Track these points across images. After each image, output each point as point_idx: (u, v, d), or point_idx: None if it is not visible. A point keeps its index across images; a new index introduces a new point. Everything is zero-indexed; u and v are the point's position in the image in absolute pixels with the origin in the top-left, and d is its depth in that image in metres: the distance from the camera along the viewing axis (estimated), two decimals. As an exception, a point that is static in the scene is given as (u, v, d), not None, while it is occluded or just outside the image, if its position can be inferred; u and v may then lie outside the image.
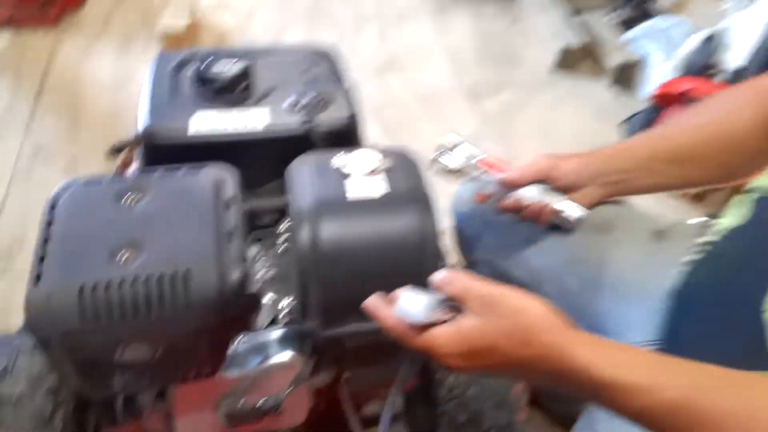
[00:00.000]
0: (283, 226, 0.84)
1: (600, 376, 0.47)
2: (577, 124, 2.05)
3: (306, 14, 2.43)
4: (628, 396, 0.47)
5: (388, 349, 0.72)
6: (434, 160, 0.85)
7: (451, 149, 0.85)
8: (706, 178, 0.82)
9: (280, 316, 0.76)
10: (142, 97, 0.86)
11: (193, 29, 2.16)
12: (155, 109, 0.82)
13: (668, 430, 0.48)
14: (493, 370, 0.51)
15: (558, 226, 0.85)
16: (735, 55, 1.86)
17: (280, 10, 2.44)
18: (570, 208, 0.82)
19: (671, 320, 0.74)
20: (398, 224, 0.67)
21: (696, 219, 0.89)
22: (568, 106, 2.11)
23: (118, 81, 2.02)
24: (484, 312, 0.51)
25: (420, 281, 0.60)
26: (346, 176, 0.70)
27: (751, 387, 0.47)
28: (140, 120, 0.82)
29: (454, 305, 0.53)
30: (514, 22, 2.47)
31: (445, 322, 0.52)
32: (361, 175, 0.70)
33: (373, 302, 0.57)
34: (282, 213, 0.84)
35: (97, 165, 1.69)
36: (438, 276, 0.56)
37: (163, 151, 0.78)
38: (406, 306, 0.54)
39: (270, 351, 0.73)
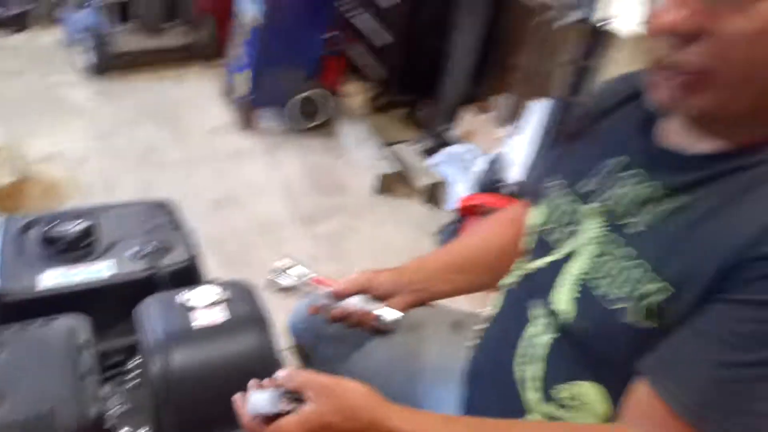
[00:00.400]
0: (132, 362, 0.93)
1: (405, 431, 0.64)
2: (400, 238, 2.34)
3: (138, 160, 2.55)
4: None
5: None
6: (270, 281, 0.96)
7: (285, 270, 0.97)
8: (482, 284, 1.03)
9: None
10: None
11: (20, 184, 2.17)
12: (5, 270, 0.89)
13: None
14: None
15: (380, 330, 1.02)
16: (514, 172, 2.30)
17: (112, 157, 2.53)
18: (387, 313, 0.97)
19: (465, 396, 0.93)
20: (240, 344, 0.81)
21: (485, 309, 1.12)
22: (391, 224, 2.41)
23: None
24: (320, 398, 0.65)
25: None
26: (190, 309, 0.83)
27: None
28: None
29: (296, 397, 0.66)
30: (336, 155, 2.80)
31: (289, 412, 0.65)
32: (203, 307, 0.84)
33: (236, 402, 0.69)
34: (131, 351, 0.93)
35: None
36: (281, 373, 0.69)
37: (16, 308, 0.85)
38: (255, 402, 0.66)
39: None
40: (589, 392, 0.71)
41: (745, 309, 0.56)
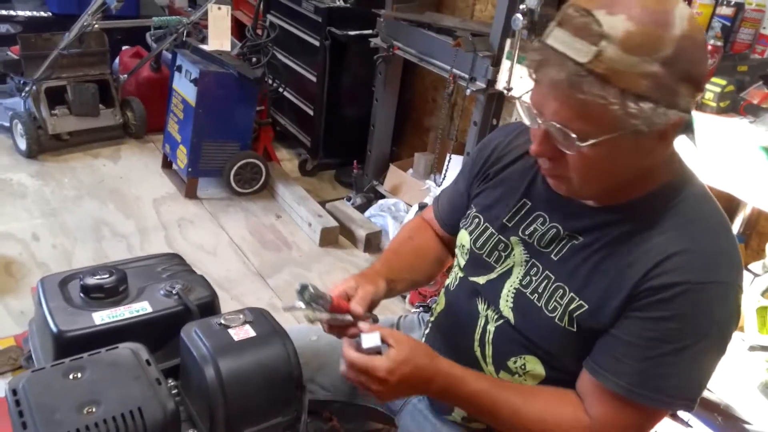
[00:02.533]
0: (171, 383, 1.11)
1: (450, 371, 0.90)
2: (347, 285, 2.58)
3: (90, 233, 2.66)
4: (462, 382, 0.89)
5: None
6: (290, 307, 0.95)
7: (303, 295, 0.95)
8: (422, 281, 1.24)
9: (189, 443, 1.02)
10: (40, 311, 1.10)
11: (-21, 262, 2.25)
12: (58, 316, 1.07)
13: (476, 411, 0.92)
14: (404, 379, 0.86)
15: None
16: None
17: (63, 233, 2.63)
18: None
19: None
20: (271, 351, 1.03)
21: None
22: (337, 271, 2.66)
23: None
24: (400, 345, 0.88)
25: (287, 387, 0.99)
26: (227, 328, 1.05)
27: (531, 394, 0.92)
28: (49, 326, 1.06)
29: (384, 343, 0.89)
30: (278, 215, 3.03)
31: (380, 352, 0.88)
32: (236, 326, 1.06)
33: (345, 342, 0.91)
34: (169, 374, 1.12)
35: None
36: (365, 326, 0.91)
37: (77, 344, 1.03)
38: (368, 338, 0.88)
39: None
40: (529, 363, 0.97)
41: (645, 323, 0.84)
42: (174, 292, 1.16)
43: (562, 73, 0.76)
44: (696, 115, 1.62)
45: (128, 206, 2.91)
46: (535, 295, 0.94)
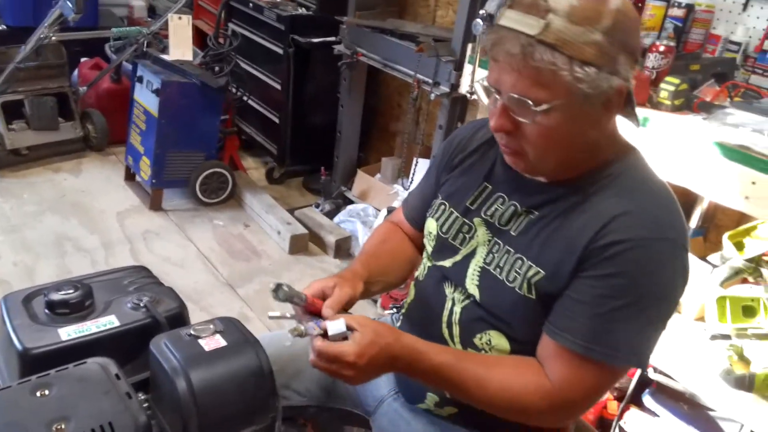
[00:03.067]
0: (141, 396, 1.10)
1: (413, 346, 0.91)
2: (318, 291, 2.58)
3: (52, 249, 2.60)
4: (425, 357, 0.90)
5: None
6: (277, 317, 0.97)
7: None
8: (396, 282, 1.27)
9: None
10: (4, 329, 1.08)
11: (-64, 282, 2.18)
12: (23, 333, 1.05)
13: (442, 384, 0.93)
14: (372, 361, 0.88)
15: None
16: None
17: (24, 250, 2.57)
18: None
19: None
20: (243, 360, 1.02)
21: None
22: (308, 278, 2.60)
23: None
24: (364, 328, 0.89)
25: (261, 395, 0.98)
26: (197, 338, 1.04)
27: (494, 364, 0.95)
28: (13, 343, 1.03)
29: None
30: (246, 224, 3.01)
31: (346, 338, 0.89)
32: (206, 336, 1.05)
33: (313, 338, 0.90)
34: (138, 388, 1.11)
35: None
36: (331, 313, 0.93)
37: (43, 360, 1.01)
38: (334, 326, 0.89)
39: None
40: (494, 338, 1.01)
41: (594, 281, 0.90)
42: (141, 304, 1.15)
43: (516, 47, 0.84)
44: (651, 114, 1.68)
45: (92, 220, 2.86)
46: (498, 269, 1.00)
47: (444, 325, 1.07)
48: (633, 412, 1.80)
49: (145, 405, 1.09)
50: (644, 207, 0.91)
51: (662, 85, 1.68)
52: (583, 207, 0.94)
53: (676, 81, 1.66)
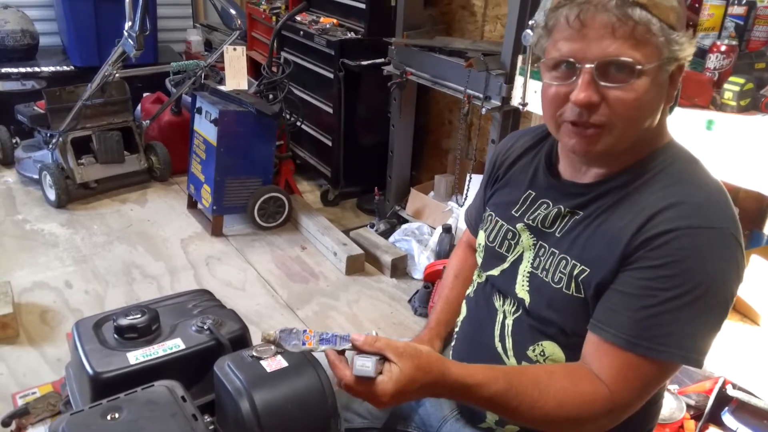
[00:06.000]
0: (207, 419, 1.12)
1: (462, 382, 0.86)
2: (376, 310, 2.58)
3: (120, 277, 2.71)
4: (476, 390, 0.86)
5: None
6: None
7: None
8: None
9: (229, 479, 1.02)
10: (76, 354, 1.12)
11: (15, 314, 2.29)
12: (94, 358, 1.09)
13: (497, 412, 0.90)
14: (412, 396, 0.84)
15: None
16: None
17: (95, 279, 2.68)
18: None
19: None
20: (305, 380, 1.02)
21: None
22: (365, 299, 2.65)
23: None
24: (402, 359, 0.82)
25: (323, 415, 0.97)
26: (259, 360, 1.05)
27: (546, 381, 0.90)
28: (85, 368, 1.07)
29: (380, 358, 0.81)
30: (303, 246, 3.05)
31: (380, 373, 0.82)
32: (268, 358, 1.06)
33: (336, 366, 0.85)
34: (204, 410, 1.12)
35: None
36: (359, 338, 0.84)
37: (113, 384, 1.04)
38: (361, 367, 0.81)
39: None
40: (548, 348, 0.99)
41: (640, 272, 0.87)
42: (205, 327, 1.17)
43: (610, 10, 0.83)
44: (716, 116, 1.61)
45: (157, 248, 2.96)
46: (544, 272, 0.99)
47: (497, 340, 1.06)
48: (712, 431, 1.70)
49: (211, 427, 1.10)
50: (693, 198, 0.88)
51: (726, 86, 1.61)
52: (629, 201, 0.92)
53: (741, 81, 1.59)
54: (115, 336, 1.15)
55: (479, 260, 1.15)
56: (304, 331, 0.88)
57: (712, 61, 1.71)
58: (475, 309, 1.15)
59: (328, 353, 0.87)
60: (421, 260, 2.76)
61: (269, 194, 3.11)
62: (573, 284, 0.94)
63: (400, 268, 2.82)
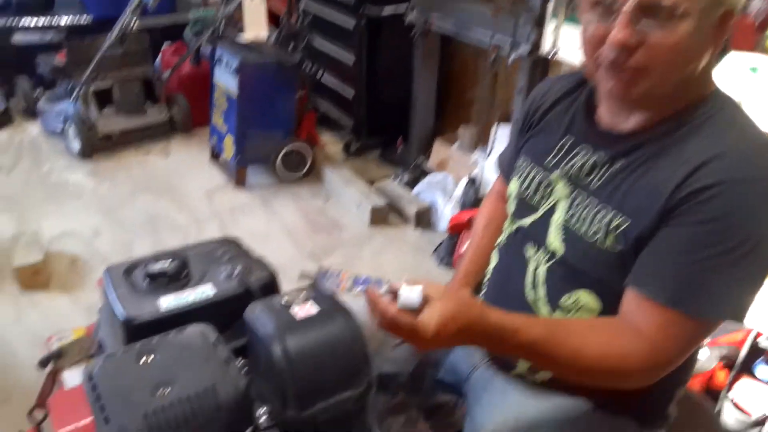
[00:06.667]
0: (239, 361, 1.12)
1: (501, 325, 0.84)
2: (399, 262, 2.58)
3: (147, 227, 2.73)
4: (515, 335, 0.84)
5: (348, 416, 1.03)
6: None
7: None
8: None
9: (260, 420, 1.03)
10: (108, 299, 1.12)
11: (45, 262, 2.33)
12: (125, 302, 1.09)
13: (533, 360, 0.88)
14: (450, 339, 0.82)
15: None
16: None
17: (121, 228, 2.71)
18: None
19: None
20: (335, 327, 1.02)
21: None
22: (389, 251, 2.65)
23: (-18, 323, 2.09)
24: (444, 297, 0.82)
25: (354, 361, 0.96)
26: (288, 307, 1.04)
27: (589, 331, 0.89)
28: (116, 313, 1.08)
29: (424, 297, 0.81)
30: (326, 198, 3.04)
31: (422, 309, 0.81)
32: (298, 305, 1.06)
33: (375, 299, 0.83)
34: (236, 354, 1.13)
35: None
36: (402, 281, 0.84)
37: (144, 329, 1.04)
38: (407, 298, 0.80)
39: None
40: (582, 297, 0.97)
41: (685, 228, 0.84)
42: (235, 274, 1.17)
43: None
44: (761, 60, 1.53)
45: (181, 199, 2.97)
46: (579, 223, 0.95)
47: (528, 289, 1.04)
48: (744, 382, 1.68)
49: (244, 371, 1.11)
50: (739, 149, 0.84)
51: (772, 28, 1.53)
52: (672, 151, 0.88)
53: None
54: (146, 281, 1.15)
55: (510, 210, 1.12)
56: (339, 272, 0.87)
57: (756, 4, 1.62)
58: (505, 258, 1.13)
59: (368, 290, 0.86)
60: (446, 212, 2.74)
61: (291, 146, 3.09)
62: (610, 237, 0.91)
63: (424, 219, 2.81)
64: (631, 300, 0.89)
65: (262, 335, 1.01)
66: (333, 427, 1.04)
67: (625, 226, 0.89)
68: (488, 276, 1.18)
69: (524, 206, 1.07)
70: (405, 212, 2.83)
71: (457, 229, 2.44)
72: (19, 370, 1.90)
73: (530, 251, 1.05)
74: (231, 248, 1.28)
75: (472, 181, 2.65)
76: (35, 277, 2.25)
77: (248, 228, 2.76)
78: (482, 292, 1.19)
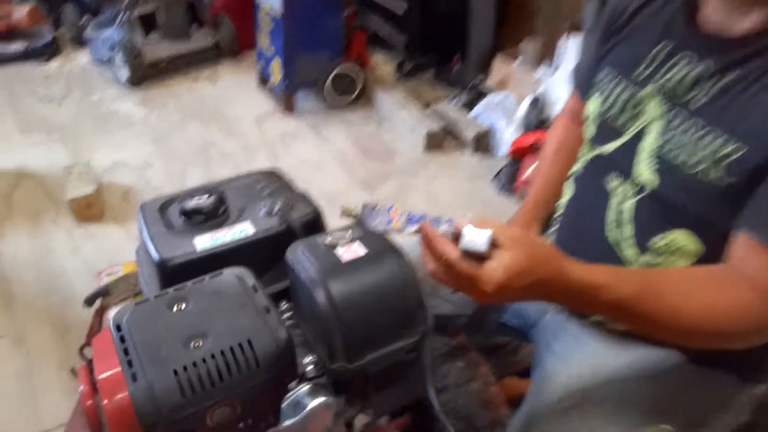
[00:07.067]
0: (284, 305, 1.04)
1: (586, 280, 0.69)
2: (457, 189, 2.43)
3: (198, 155, 2.68)
4: (602, 291, 0.69)
5: (402, 366, 0.94)
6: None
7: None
8: None
9: (307, 370, 0.94)
10: (142, 239, 1.05)
11: (98, 193, 2.32)
12: (160, 243, 1.01)
13: (622, 320, 0.75)
14: (519, 294, 0.69)
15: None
16: (558, 107, 2.36)
17: (173, 157, 2.67)
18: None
19: None
20: (384, 270, 0.91)
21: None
22: (444, 178, 2.50)
23: (38, 254, 2.11)
24: (516, 245, 0.67)
25: (407, 308, 0.84)
26: (333, 248, 0.93)
27: (692, 284, 0.74)
28: (151, 254, 1.00)
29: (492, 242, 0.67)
30: (379, 123, 2.89)
31: (488, 256, 0.67)
32: (343, 245, 0.94)
33: (435, 237, 0.71)
34: (279, 297, 1.04)
35: (44, 334, 1.76)
36: (465, 221, 0.70)
37: (180, 271, 0.96)
38: (471, 240, 0.66)
39: (307, 401, 0.91)
40: (679, 238, 0.82)
41: None
42: (275, 211, 1.06)
43: None
44: None
45: (231, 126, 2.89)
46: (677, 150, 0.80)
47: (610, 227, 0.89)
48: None
49: (288, 315, 1.03)
50: None
51: None
52: None
53: None
54: (181, 219, 1.07)
55: (589, 133, 0.96)
56: (390, 208, 0.74)
57: None
58: (582, 191, 0.98)
59: (424, 227, 0.73)
60: (507, 135, 2.55)
61: (341, 68, 2.92)
62: (719, 168, 0.75)
63: (483, 143, 2.63)
64: (743, 245, 0.73)
65: (304, 280, 0.91)
66: (385, 377, 0.95)
67: (738, 154, 0.73)
68: (560, 211, 1.03)
69: (606, 129, 0.91)
70: (462, 136, 2.65)
71: (520, 154, 2.26)
72: (77, 303, 1.91)
73: (613, 183, 0.90)
74: (272, 181, 1.17)
75: (535, 101, 2.43)
76: (89, 210, 2.24)
77: (298, 156, 2.66)
78: (553, 230, 1.05)
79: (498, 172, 2.41)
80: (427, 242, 0.72)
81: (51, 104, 3.06)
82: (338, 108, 2.98)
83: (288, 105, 2.96)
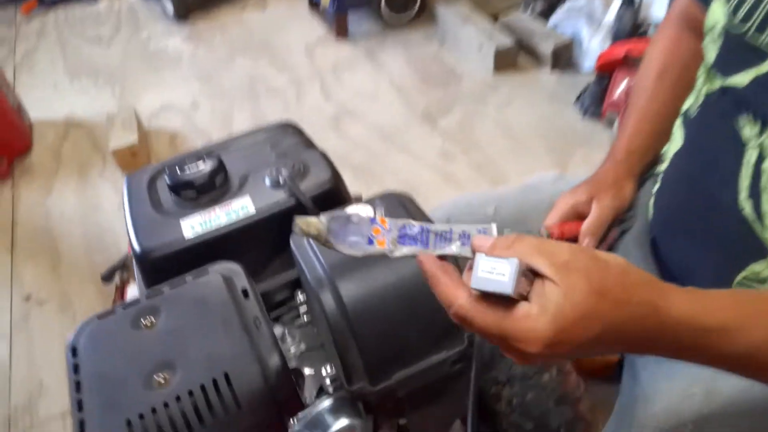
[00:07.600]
0: (299, 297, 0.84)
1: (700, 322, 0.42)
2: (533, 114, 2.11)
3: (246, 93, 2.48)
4: (726, 337, 0.43)
5: (441, 385, 0.72)
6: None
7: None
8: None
9: (327, 383, 0.75)
10: (126, 221, 0.86)
11: (143, 139, 2.19)
12: (142, 229, 0.82)
13: (751, 374, 0.47)
14: (586, 348, 0.42)
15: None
16: (660, 7, 1.94)
17: (220, 96, 2.49)
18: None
19: (658, 247, 0.77)
20: (413, 264, 0.67)
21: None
22: (519, 101, 2.17)
23: (85, 209, 2.02)
24: (562, 272, 0.41)
25: (438, 314, 0.58)
26: (351, 232, 0.70)
27: None
28: (131, 243, 0.81)
29: (528, 273, 0.41)
30: (441, 42, 2.55)
31: (526, 296, 0.41)
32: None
33: (437, 271, 0.46)
34: (294, 285, 0.84)
35: (90, 295, 1.69)
36: (488, 241, 0.45)
37: (164, 265, 0.78)
38: (487, 274, 0.41)
39: (327, 422, 0.72)
40: None
41: None
42: (282, 180, 0.84)
43: None
44: None
45: (280, 58, 2.66)
46: None
47: (744, 194, 0.62)
48: None
49: (305, 309, 0.83)
50: None
51: None
52: None
53: None
54: (171, 195, 0.87)
55: (711, 54, 0.68)
56: (373, 219, 0.50)
57: None
58: (698, 137, 0.70)
59: (422, 261, 0.49)
60: (592, 45, 2.15)
61: (398, -20, 2.58)
62: None
63: (563, 58, 2.25)
64: None
65: (309, 278, 0.69)
66: (425, 392, 0.74)
67: None
68: (664, 165, 0.75)
69: (740, 48, 0.63)
70: (538, 51, 2.28)
71: (609, 68, 1.88)
72: (125, 261, 1.83)
73: (749, 129, 0.62)
74: (285, 138, 0.95)
75: (630, 2, 2.01)
76: (134, 159, 2.12)
77: (352, 87, 2.41)
78: (655, 189, 0.77)
79: (581, 93, 2.05)
80: (428, 280, 0.47)
81: (99, 46, 2.94)
82: (396, 29, 2.66)
83: (340, 28, 2.68)
